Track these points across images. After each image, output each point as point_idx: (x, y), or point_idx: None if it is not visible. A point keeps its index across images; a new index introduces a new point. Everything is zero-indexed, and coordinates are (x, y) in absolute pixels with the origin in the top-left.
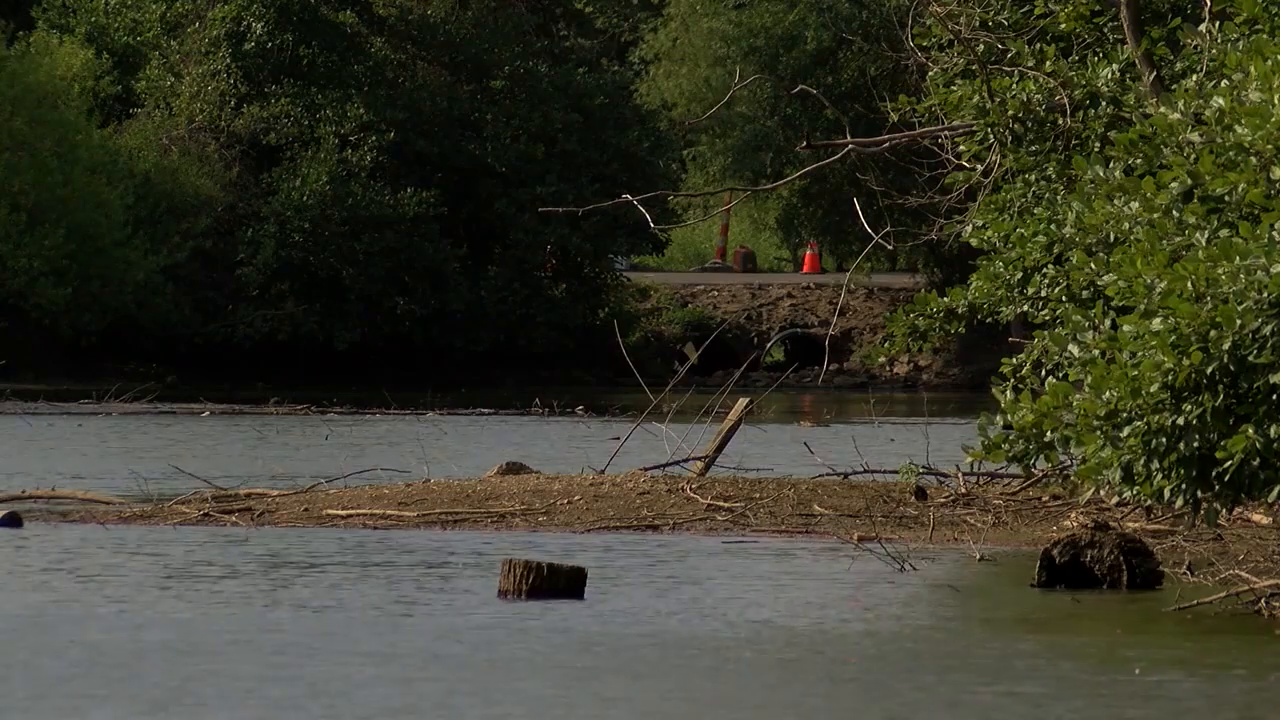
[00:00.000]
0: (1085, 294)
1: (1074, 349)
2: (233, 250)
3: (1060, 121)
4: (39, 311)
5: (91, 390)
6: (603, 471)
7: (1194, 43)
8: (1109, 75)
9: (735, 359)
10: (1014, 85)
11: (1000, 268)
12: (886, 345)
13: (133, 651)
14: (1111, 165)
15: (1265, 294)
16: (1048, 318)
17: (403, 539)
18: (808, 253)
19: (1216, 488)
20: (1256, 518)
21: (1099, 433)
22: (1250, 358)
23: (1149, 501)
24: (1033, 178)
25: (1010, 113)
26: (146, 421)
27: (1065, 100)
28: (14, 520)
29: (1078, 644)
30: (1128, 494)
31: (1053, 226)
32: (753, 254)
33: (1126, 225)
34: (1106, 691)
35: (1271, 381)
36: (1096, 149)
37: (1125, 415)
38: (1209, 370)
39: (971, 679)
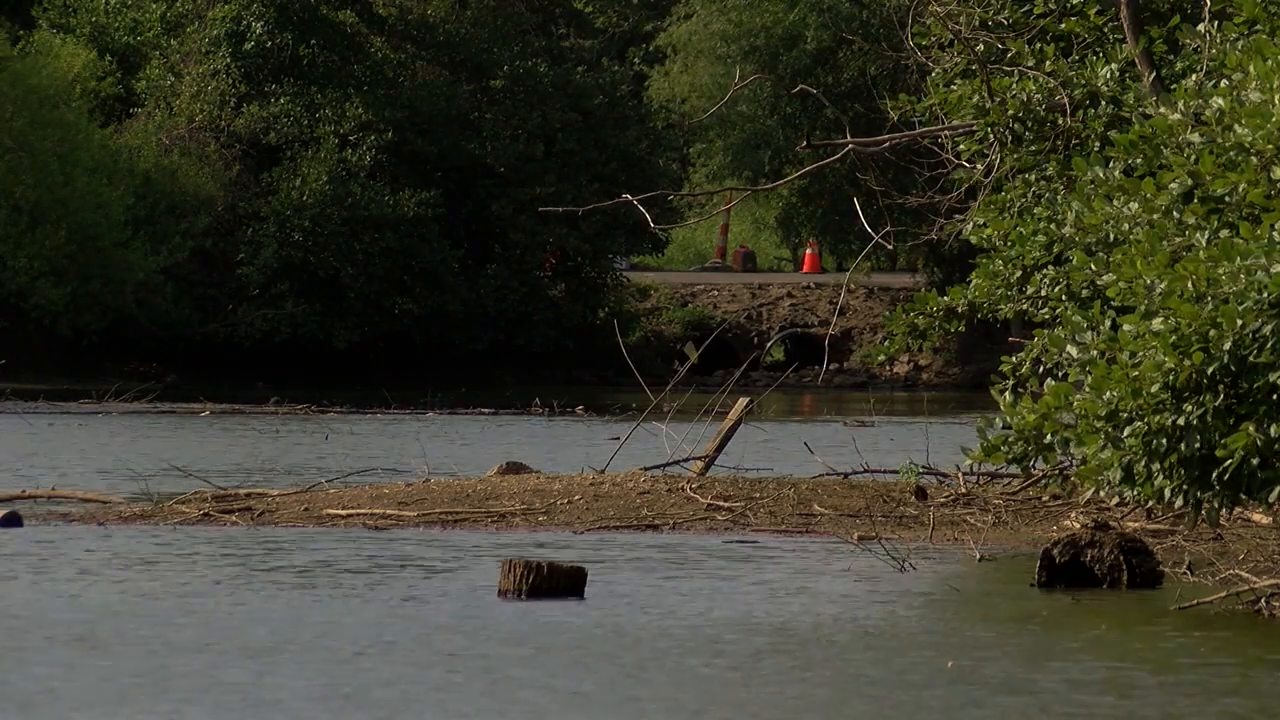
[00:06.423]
0: (1085, 294)
1: (1072, 350)
2: (233, 250)
3: (1060, 121)
4: (39, 311)
5: (91, 390)
6: (603, 471)
7: (1194, 43)
8: (1109, 75)
9: (735, 359)
10: (1014, 85)
11: (1000, 266)
12: (886, 344)
13: (110, 646)
14: (1111, 165)
15: (1266, 294)
16: (1047, 317)
17: (403, 539)
18: (808, 252)
19: (1217, 488)
20: (1256, 518)
21: (1100, 433)
22: (1251, 358)
23: (1150, 502)
24: (1033, 177)
25: (1010, 112)
26: (146, 421)
27: (1065, 100)
28: (15, 520)
29: (1078, 643)
30: (1129, 495)
31: (1052, 226)
32: (753, 254)
33: (1126, 225)
34: (1106, 690)
35: (1272, 381)
36: (1096, 149)
37: (1126, 416)
38: (1210, 370)
39: (971, 679)
